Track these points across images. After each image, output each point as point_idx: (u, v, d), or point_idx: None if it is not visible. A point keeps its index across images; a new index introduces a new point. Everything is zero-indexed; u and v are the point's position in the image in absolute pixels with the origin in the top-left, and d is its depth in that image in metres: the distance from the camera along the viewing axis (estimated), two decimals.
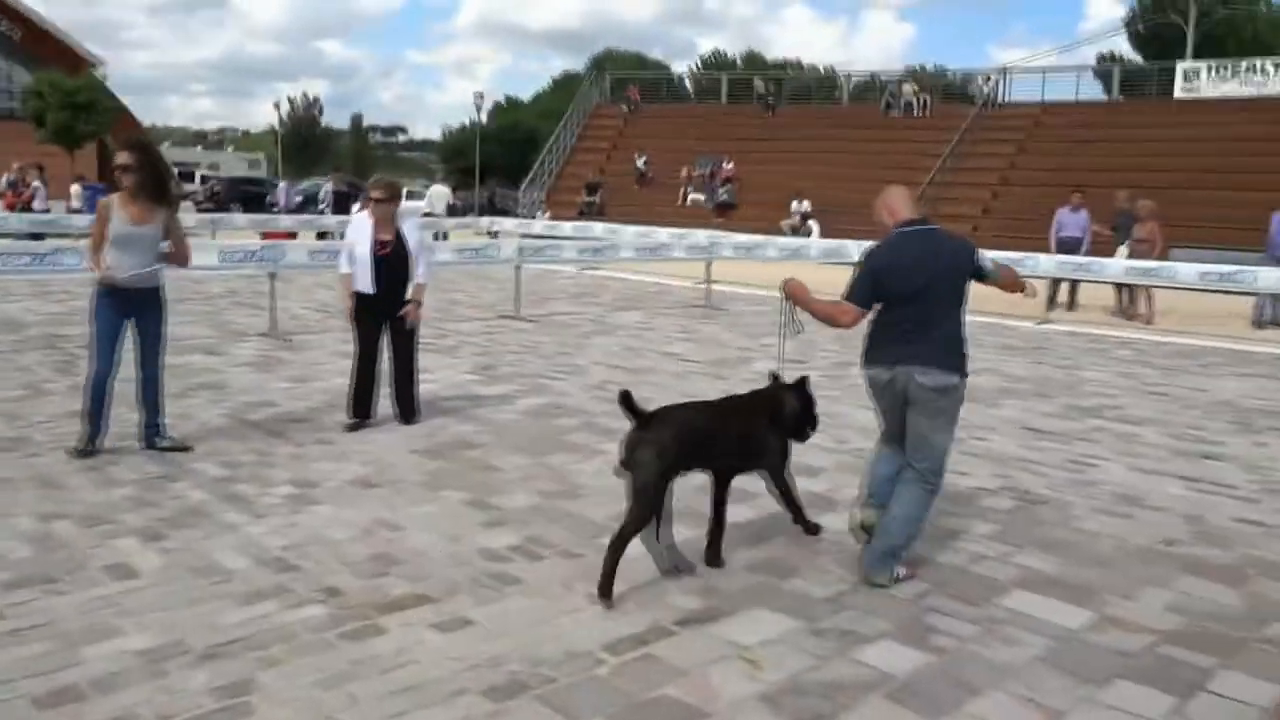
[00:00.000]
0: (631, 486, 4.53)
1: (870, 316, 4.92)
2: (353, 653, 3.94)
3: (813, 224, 28.97)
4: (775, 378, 5.29)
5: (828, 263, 18.95)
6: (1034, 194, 27.42)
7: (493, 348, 11.07)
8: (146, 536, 5.15)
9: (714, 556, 4.95)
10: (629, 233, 23.11)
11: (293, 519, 5.48)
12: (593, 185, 35.91)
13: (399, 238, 7.55)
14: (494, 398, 8.65)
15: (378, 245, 7.44)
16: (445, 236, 25.43)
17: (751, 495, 6.09)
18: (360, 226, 7.60)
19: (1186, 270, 15.22)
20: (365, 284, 7.46)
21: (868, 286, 4.86)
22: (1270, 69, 30.40)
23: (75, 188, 27.97)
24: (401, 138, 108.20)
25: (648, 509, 4.53)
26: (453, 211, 32.86)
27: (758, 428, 5.01)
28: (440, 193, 32.03)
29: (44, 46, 45.32)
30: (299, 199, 32.96)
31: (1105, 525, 5.78)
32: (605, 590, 4.43)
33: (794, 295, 5.12)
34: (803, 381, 5.26)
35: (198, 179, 52.88)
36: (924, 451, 4.81)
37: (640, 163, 36.95)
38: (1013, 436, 7.88)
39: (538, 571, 4.84)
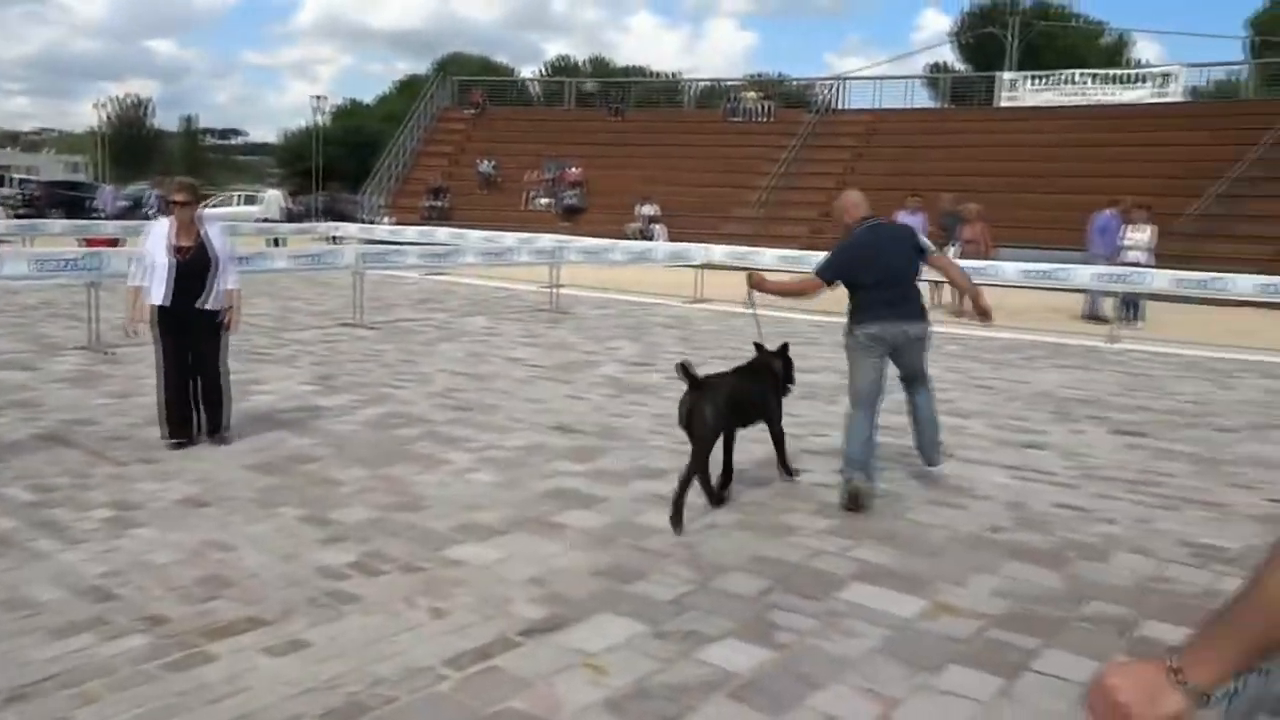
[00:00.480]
0: (694, 438, 5.68)
1: (847, 294, 6.27)
2: (178, 684, 3.74)
3: (658, 227, 29.27)
4: (759, 348, 6.48)
5: (674, 265, 19.20)
6: (871, 197, 28.32)
7: (332, 357, 10.77)
8: None
9: (719, 500, 5.99)
10: (475, 237, 22.85)
11: (112, 544, 5.19)
12: (437, 189, 35.33)
13: (201, 243, 7.16)
14: (333, 409, 8.40)
15: (176, 251, 7.08)
16: (281, 243, 24.52)
17: (596, 500, 6.08)
18: (158, 233, 7.18)
19: (1011, 269, 15.98)
20: (160, 295, 7.03)
21: (835, 267, 6.25)
22: (1084, 80, 32.26)
23: None
24: (238, 140, 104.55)
25: (706, 456, 5.73)
26: (291, 217, 31.91)
27: (766, 389, 6.28)
28: (274, 197, 30.96)
29: None
30: (124, 204, 31.64)
31: (937, 516, 5.99)
32: (677, 520, 5.47)
33: (760, 284, 6.33)
34: (784, 347, 6.47)
35: (11, 182, 50.07)
36: (922, 372, 6.42)
37: (486, 167, 36.62)
38: None
39: (377, 588, 4.71)
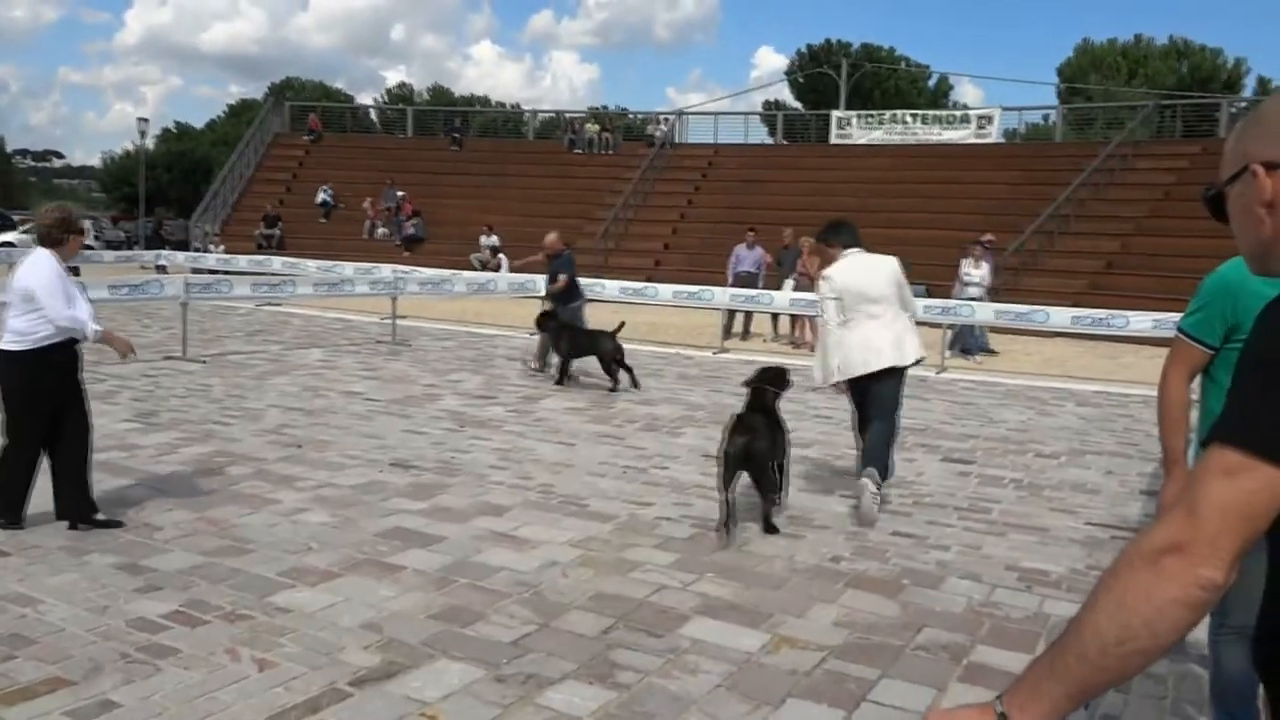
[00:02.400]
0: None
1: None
2: None
3: (502, 258, 29.09)
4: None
5: (517, 297, 19.06)
6: (710, 230, 28.86)
7: (155, 392, 10.19)
8: None
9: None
10: (311, 267, 22.23)
11: None
12: (271, 218, 33.88)
13: None
14: (153, 447, 7.94)
15: None
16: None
17: (434, 539, 5.90)
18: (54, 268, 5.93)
19: None
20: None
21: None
22: (909, 119, 33.75)
23: None
24: (56, 163, 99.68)
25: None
26: (113, 245, 30.34)
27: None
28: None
29: None
30: None
31: (777, 546, 6.04)
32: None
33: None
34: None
35: None
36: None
37: (324, 195, 35.69)
38: (693, 464, 8.13)
39: (197, 639, 4.42)
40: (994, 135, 32.24)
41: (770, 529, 6.24)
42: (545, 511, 6.58)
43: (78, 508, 5.95)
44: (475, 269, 25.21)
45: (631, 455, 8.40)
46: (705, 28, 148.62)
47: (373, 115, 50.79)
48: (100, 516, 6.00)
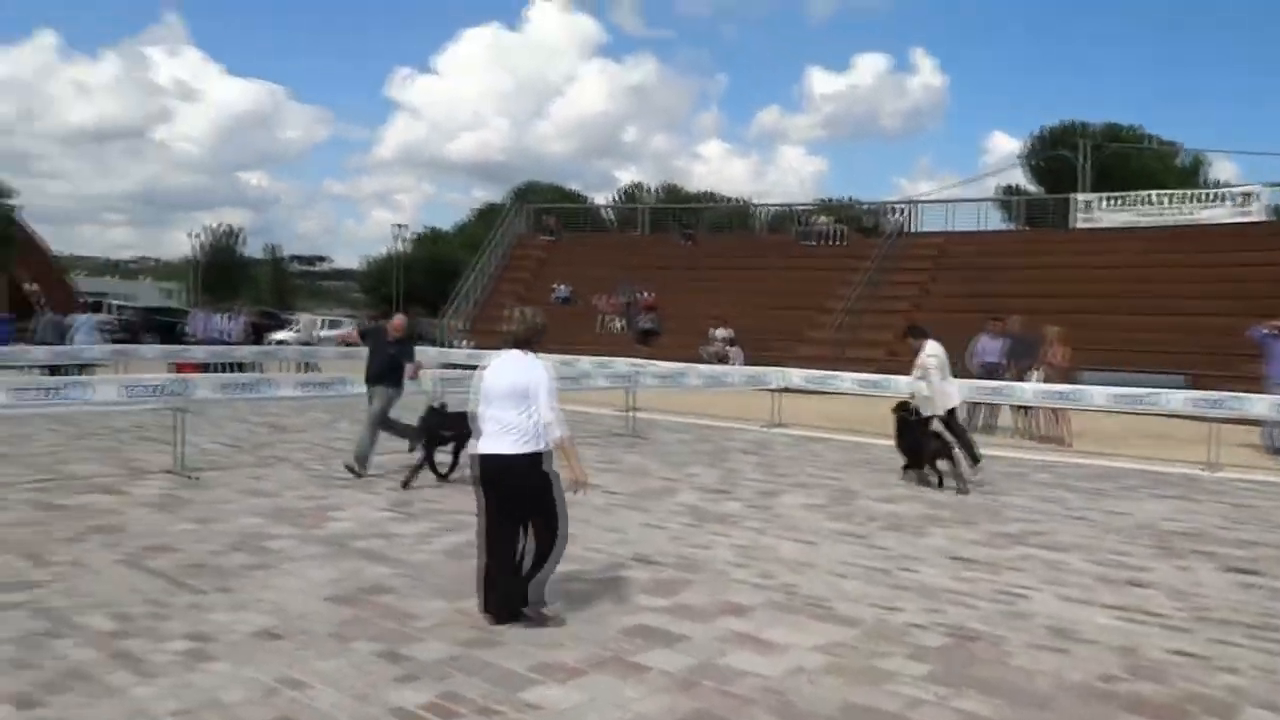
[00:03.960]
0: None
1: None
2: None
3: (735, 350, 29.21)
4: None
5: (750, 389, 19.03)
6: (946, 319, 28.06)
7: (412, 483, 10.68)
8: (20, 704, 4.70)
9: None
10: (550, 360, 23.14)
11: (186, 678, 5.07)
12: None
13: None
14: (411, 536, 8.30)
15: None
16: (312, 367, 24.93)
17: (678, 638, 5.82)
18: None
19: (1098, 393, 15.53)
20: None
21: None
22: (1162, 200, 31.93)
23: None
24: (323, 266, 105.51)
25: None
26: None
27: None
28: (309, 321, 33.82)
29: None
30: (233, 324, 27.75)
31: (1041, 661, 5.63)
32: None
33: None
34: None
35: (109, 308, 50.84)
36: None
37: (563, 291, 36.94)
38: (940, 567, 7.76)
39: None
40: (1257, 213, 30.01)
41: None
42: (789, 613, 6.41)
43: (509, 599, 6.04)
44: (704, 361, 25.26)
45: (875, 556, 8.11)
46: (933, 114, 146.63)
47: (607, 214, 52.64)
48: (529, 611, 6.03)
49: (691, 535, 8.61)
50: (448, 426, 10.46)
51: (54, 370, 20.78)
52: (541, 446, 5.95)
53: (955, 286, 30.59)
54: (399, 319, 11.70)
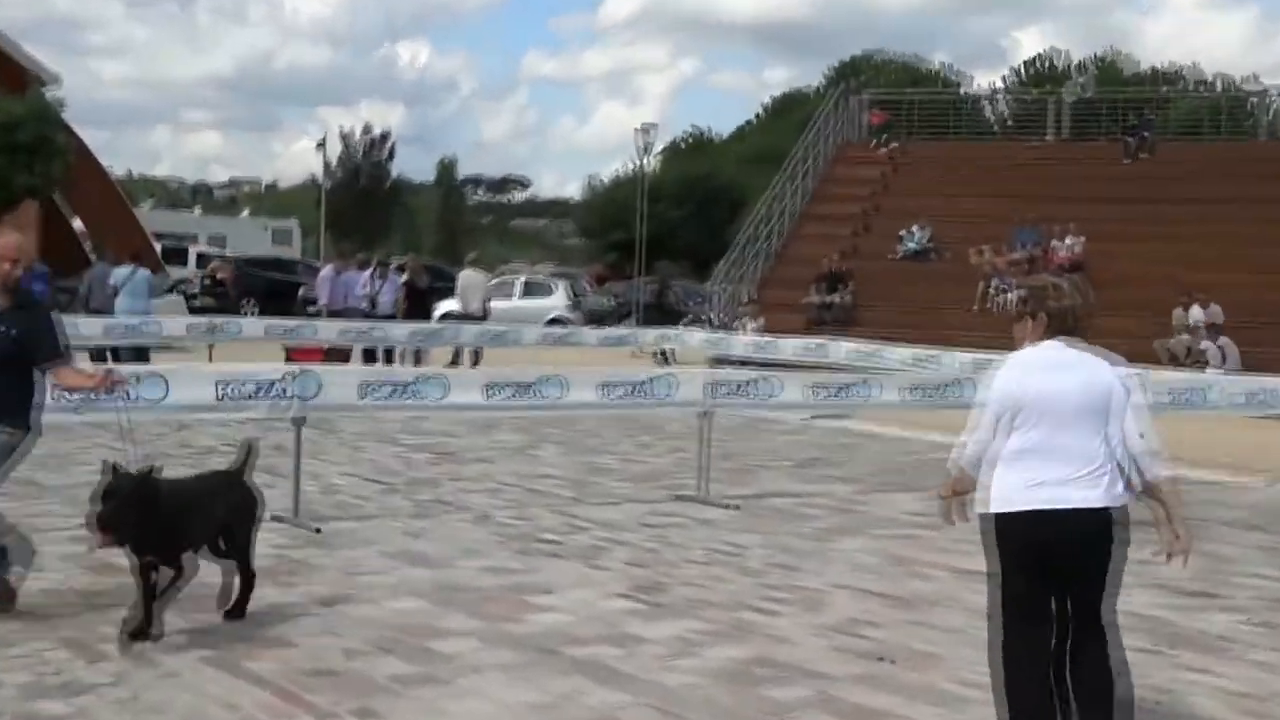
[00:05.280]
0: None
1: None
2: None
3: (1220, 345, 17.94)
4: None
5: (1255, 416, 11.53)
6: None
7: (661, 553, 7.40)
8: None
9: None
10: (896, 357, 14.46)
11: None
12: (835, 276, 22.97)
13: None
14: (661, 642, 5.27)
15: None
16: (470, 358, 17.55)
17: None
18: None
19: None
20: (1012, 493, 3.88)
21: None
22: None
23: None
24: (520, 195, 69.38)
25: None
26: (598, 317, 24.46)
27: None
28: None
29: None
30: (382, 288, 18.27)
31: None
32: None
33: None
34: None
35: (192, 259, 34.87)
36: None
37: (915, 239, 24.06)
38: None
39: None
40: None
41: None
42: None
43: None
44: (1165, 364, 16.21)
45: None
46: None
47: (994, 107, 35.74)
48: None
49: (1139, 667, 5.09)
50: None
51: (112, 354, 14.30)
52: (1123, 494, 3.91)
53: None
54: None
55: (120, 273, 15.96)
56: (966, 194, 25.11)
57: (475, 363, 17.35)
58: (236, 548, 5.14)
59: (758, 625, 5.67)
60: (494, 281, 25.01)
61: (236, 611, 5.12)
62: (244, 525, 5.16)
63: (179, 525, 4.82)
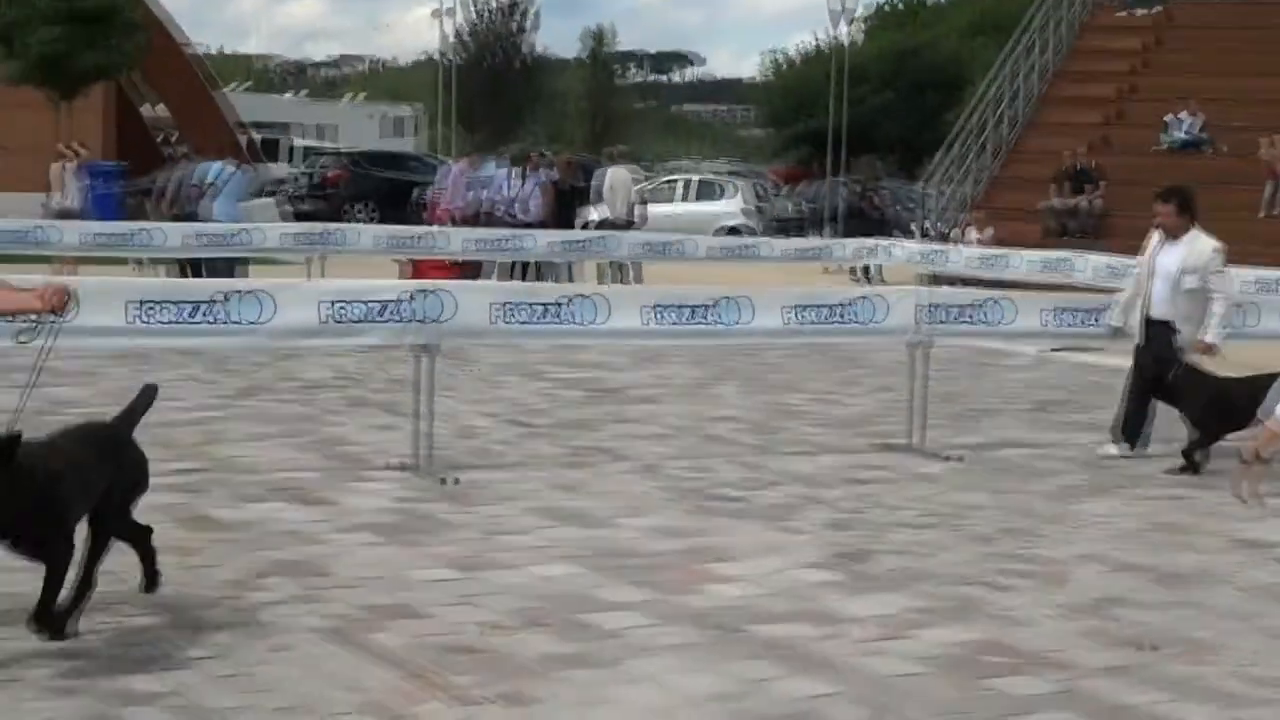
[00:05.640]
0: None
1: None
2: None
3: None
4: None
5: None
6: None
7: (866, 513, 6.52)
8: None
9: None
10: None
11: None
12: (1081, 174, 19.82)
13: None
14: (867, 621, 4.51)
15: None
16: (626, 274, 15.34)
17: None
18: None
19: None
20: None
21: None
22: None
23: (62, 169, 16.17)
24: (687, 75, 59.84)
25: None
26: (781, 225, 20.98)
27: None
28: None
29: None
30: (524, 189, 15.75)
31: None
32: None
33: None
34: None
35: (289, 152, 31.57)
36: None
37: (1183, 126, 20.55)
38: None
39: None
40: None
41: None
42: None
43: None
44: None
45: None
46: None
47: None
48: None
49: None
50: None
51: (194, 268, 12.98)
52: None
53: None
54: None
55: (208, 170, 14.05)
56: (1251, 70, 20.79)
57: (630, 281, 15.11)
58: (110, 526, 4.08)
59: (986, 603, 4.82)
60: (652, 183, 22.29)
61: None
62: (127, 496, 4.18)
63: (52, 500, 3.77)
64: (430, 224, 15.45)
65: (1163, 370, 7.38)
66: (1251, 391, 5.96)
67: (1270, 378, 5.35)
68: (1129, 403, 7.75)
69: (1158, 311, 7.71)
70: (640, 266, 15.62)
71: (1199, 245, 7.61)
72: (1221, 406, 7.07)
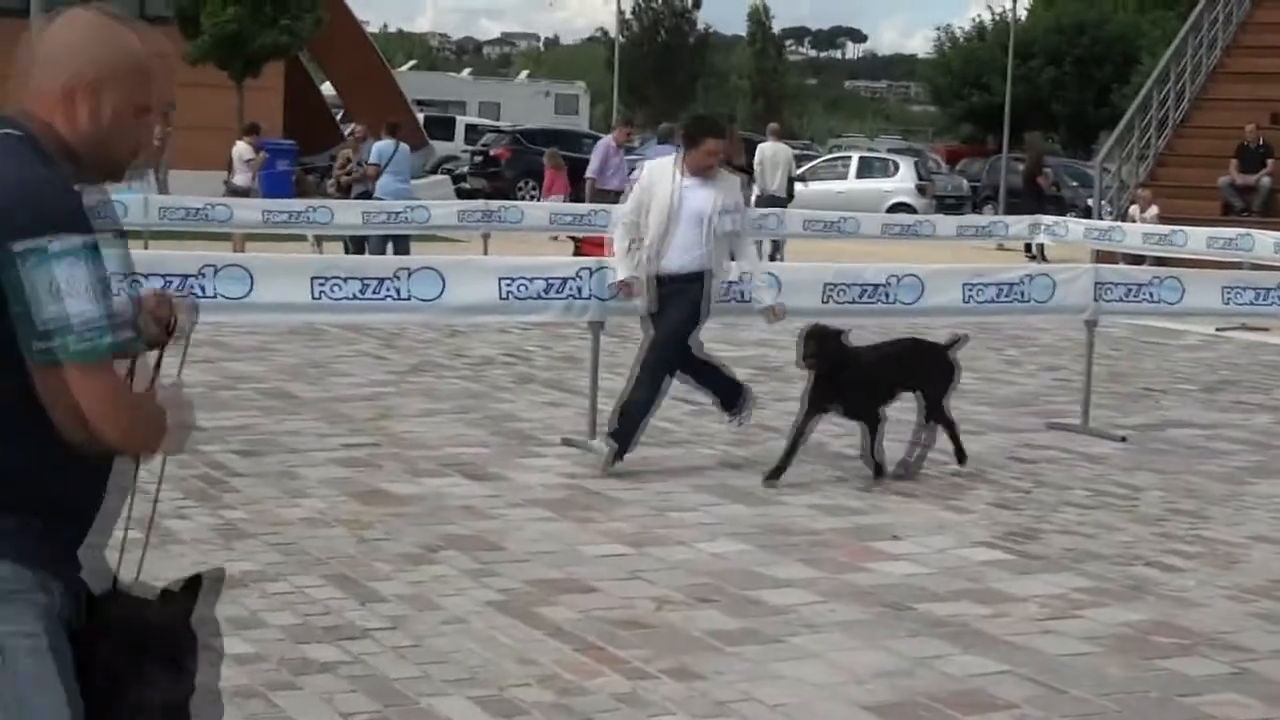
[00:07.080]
0: None
1: None
2: None
3: None
4: None
5: None
6: None
7: (1034, 493, 6.36)
8: None
9: None
10: None
11: None
12: (1257, 151, 18.54)
13: None
14: (1036, 601, 4.45)
15: None
16: (773, 252, 15.00)
17: None
18: None
19: None
20: None
21: None
22: None
23: (242, 148, 15.90)
24: (851, 53, 58.05)
25: None
26: (946, 202, 20.72)
27: None
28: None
29: None
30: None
31: None
32: None
33: None
34: None
35: (460, 131, 30.35)
36: None
37: None
38: None
39: None
40: None
41: None
42: None
43: None
44: None
45: None
46: None
47: None
48: None
49: None
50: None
51: (359, 246, 13.32)
52: None
53: None
54: None
55: (379, 148, 14.11)
56: None
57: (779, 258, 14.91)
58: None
59: (1156, 584, 4.69)
60: (816, 160, 21.91)
61: None
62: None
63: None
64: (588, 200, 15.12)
65: None
66: None
67: None
68: None
69: None
70: (783, 243, 15.35)
71: None
72: None
